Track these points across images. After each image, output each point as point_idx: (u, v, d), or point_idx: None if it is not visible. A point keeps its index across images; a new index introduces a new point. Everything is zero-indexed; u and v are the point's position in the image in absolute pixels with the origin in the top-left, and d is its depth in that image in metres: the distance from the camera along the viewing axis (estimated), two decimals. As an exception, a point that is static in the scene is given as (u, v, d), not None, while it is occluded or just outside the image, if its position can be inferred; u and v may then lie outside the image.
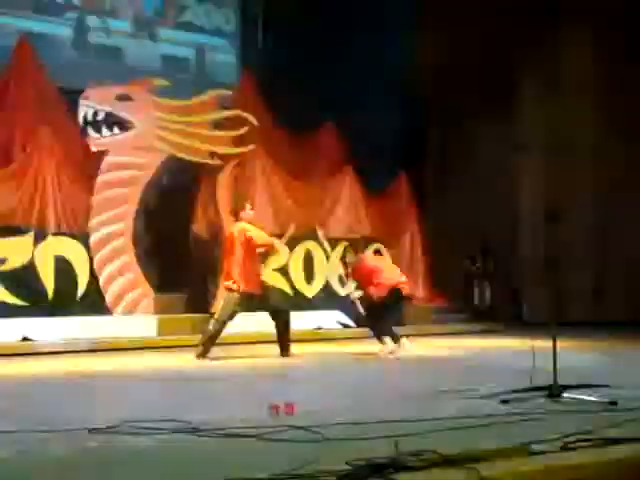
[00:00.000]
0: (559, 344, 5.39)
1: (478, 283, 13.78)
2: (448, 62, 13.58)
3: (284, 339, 8.47)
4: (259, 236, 8.45)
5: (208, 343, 8.26)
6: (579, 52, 13.18)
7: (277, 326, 8.49)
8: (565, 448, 3.61)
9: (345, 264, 9.67)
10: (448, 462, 3.27)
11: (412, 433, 3.93)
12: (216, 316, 8.54)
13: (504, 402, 4.99)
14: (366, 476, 3.10)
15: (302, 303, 11.87)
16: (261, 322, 11.30)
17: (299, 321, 11.78)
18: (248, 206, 8.58)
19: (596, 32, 13.00)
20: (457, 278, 13.27)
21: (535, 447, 3.57)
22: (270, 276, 11.71)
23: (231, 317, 8.41)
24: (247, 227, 8.39)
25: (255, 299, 8.40)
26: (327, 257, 11.97)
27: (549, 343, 5.36)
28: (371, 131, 12.95)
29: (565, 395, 5.11)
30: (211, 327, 8.37)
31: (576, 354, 8.15)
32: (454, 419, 4.38)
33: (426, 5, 13.91)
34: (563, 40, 13.26)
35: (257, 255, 8.52)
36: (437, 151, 13.70)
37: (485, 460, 3.34)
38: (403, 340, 8.67)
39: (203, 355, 8.18)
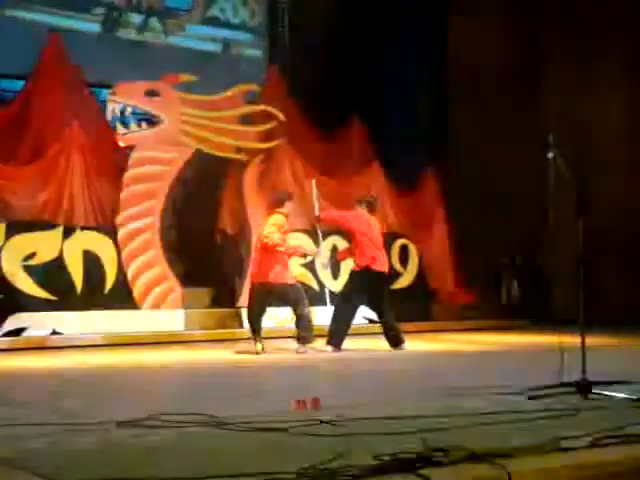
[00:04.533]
0: (588, 340, 5.34)
1: (507, 279, 13.68)
2: (477, 55, 13.49)
3: None
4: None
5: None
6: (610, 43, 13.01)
7: None
8: (595, 445, 3.57)
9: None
10: (476, 458, 3.24)
11: (440, 429, 3.91)
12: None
13: (532, 398, 4.95)
14: (393, 471, 3.09)
15: (328, 298, 11.88)
16: (280, 317, 11.40)
17: (325, 316, 11.82)
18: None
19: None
20: (485, 274, 13.18)
21: (564, 443, 3.54)
22: (296, 271, 11.73)
23: None
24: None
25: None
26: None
27: (578, 339, 5.31)
28: (399, 126, 12.90)
29: (594, 391, 5.06)
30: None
31: (606, 350, 8.07)
32: (482, 415, 4.35)
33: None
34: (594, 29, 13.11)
35: None
36: (466, 146, 13.61)
37: (513, 456, 3.31)
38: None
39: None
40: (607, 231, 12.01)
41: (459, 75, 13.90)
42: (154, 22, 12.88)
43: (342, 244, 12.14)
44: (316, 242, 11.95)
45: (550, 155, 5.51)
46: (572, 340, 5.42)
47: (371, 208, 9.06)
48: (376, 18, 13.39)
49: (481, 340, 10.19)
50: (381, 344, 9.49)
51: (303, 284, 11.75)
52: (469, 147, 13.56)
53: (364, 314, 12.16)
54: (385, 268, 8.90)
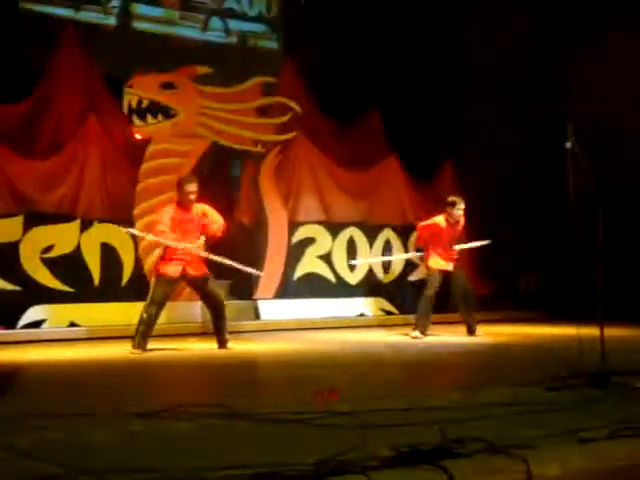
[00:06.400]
0: (607, 332, 5.31)
1: (525, 270, 13.62)
2: (495, 45, 13.42)
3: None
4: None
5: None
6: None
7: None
8: (613, 436, 3.55)
9: None
10: (494, 449, 3.24)
11: (458, 420, 3.90)
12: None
13: (551, 389, 4.93)
14: (411, 462, 3.08)
15: (345, 290, 11.88)
16: (297, 310, 11.41)
17: (342, 308, 11.84)
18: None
19: None
20: (503, 265, 13.12)
21: (583, 435, 3.52)
22: (313, 263, 11.74)
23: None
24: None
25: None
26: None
27: (596, 331, 5.29)
28: (416, 118, 12.85)
29: (613, 382, 5.03)
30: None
31: (624, 341, 8.03)
32: (500, 406, 4.34)
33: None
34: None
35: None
36: (483, 137, 13.54)
37: (532, 448, 3.30)
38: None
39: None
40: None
41: (478, 65, 13.81)
42: (171, 14, 12.87)
43: (359, 236, 12.15)
44: (332, 234, 11.98)
45: (568, 145, 5.48)
46: (591, 331, 5.40)
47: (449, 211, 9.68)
48: (394, 9, 13.33)
49: (499, 331, 10.16)
50: (397, 335, 9.50)
51: (319, 276, 11.82)
52: (487, 138, 13.48)
53: (381, 306, 12.17)
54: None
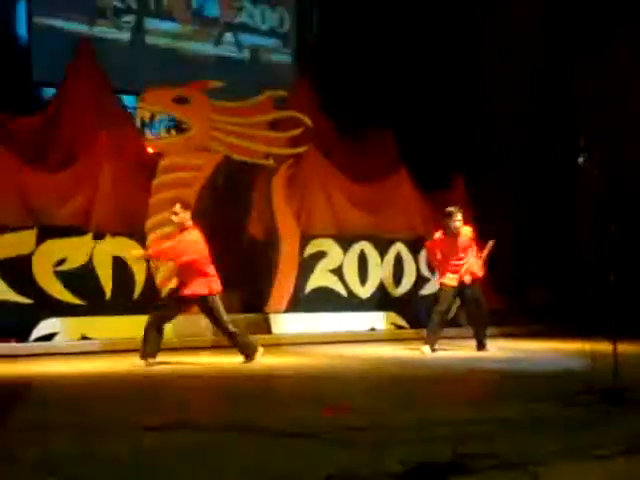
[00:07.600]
0: (619, 347, 5.29)
1: (536, 284, 13.57)
2: (505, 62, 13.44)
3: None
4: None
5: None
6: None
7: None
8: (627, 452, 3.53)
9: None
10: (507, 465, 3.22)
11: (469, 435, 3.89)
12: None
13: (564, 405, 4.90)
14: (422, 478, 3.07)
15: (356, 304, 11.86)
16: (308, 324, 11.40)
17: (353, 322, 11.81)
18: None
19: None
20: (514, 279, 13.09)
21: (596, 451, 3.51)
22: (324, 277, 11.72)
23: None
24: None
25: None
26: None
27: (608, 346, 5.26)
28: (427, 131, 12.86)
29: (626, 398, 5.00)
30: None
31: (638, 357, 7.97)
32: (512, 422, 4.33)
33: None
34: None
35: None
36: (495, 149, 13.54)
37: (544, 464, 3.28)
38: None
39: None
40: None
41: (489, 76, 13.83)
42: (183, 29, 12.97)
43: (370, 250, 12.13)
44: (343, 248, 11.97)
45: (580, 160, 5.48)
46: (603, 347, 5.37)
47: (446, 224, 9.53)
48: (404, 21, 13.38)
49: (510, 346, 10.11)
50: (408, 349, 9.48)
51: (329, 289, 11.80)
52: (498, 150, 13.48)
53: (393, 320, 12.15)
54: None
